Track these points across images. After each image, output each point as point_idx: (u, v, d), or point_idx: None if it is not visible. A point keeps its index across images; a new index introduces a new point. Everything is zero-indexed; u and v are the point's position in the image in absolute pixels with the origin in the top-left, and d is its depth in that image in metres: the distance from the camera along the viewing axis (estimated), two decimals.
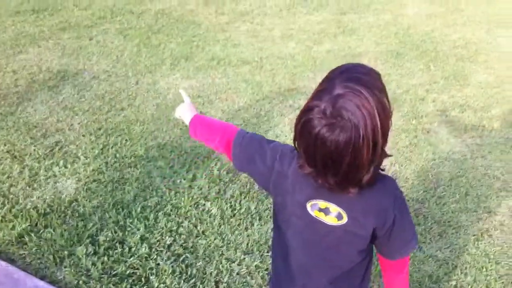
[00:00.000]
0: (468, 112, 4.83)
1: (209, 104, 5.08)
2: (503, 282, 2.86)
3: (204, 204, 3.51)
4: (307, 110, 1.31)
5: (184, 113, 1.87)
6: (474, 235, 3.22)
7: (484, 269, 2.95)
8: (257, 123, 4.69)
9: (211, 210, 3.44)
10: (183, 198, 3.55)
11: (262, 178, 1.62)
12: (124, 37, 6.86)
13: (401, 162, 3.99)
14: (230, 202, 3.53)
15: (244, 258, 3.05)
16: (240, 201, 3.53)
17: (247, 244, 3.16)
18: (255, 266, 2.99)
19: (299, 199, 1.50)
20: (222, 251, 3.11)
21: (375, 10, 8.22)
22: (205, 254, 3.09)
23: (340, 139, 1.25)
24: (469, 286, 2.82)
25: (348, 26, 7.38)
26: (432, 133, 4.46)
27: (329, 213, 1.46)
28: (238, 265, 3.01)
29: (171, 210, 3.44)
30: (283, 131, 4.53)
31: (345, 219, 1.45)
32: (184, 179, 3.77)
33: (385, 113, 1.29)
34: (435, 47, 6.49)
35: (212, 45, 6.68)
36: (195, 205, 3.50)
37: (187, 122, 1.84)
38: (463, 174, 3.85)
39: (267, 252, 3.09)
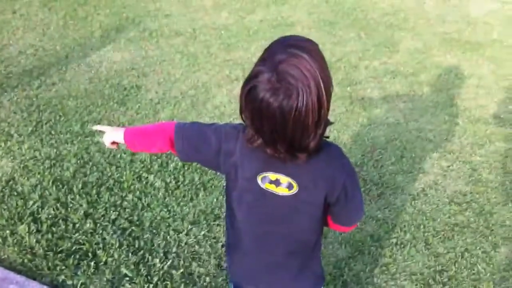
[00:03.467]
0: (399, 78, 4.99)
1: (144, 76, 4.99)
2: (440, 238, 3.02)
3: (147, 177, 3.48)
4: (251, 78, 1.31)
5: (113, 136, 1.76)
6: (410, 195, 3.38)
7: (422, 227, 3.10)
8: (195, 95, 4.66)
9: (154, 183, 3.42)
10: (125, 172, 3.50)
11: (210, 163, 1.63)
12: (49, 10, 6.58)
13: (338, 129, 4.09)
14: (174, 174, 3.51)
15: (191, 228, 3.06)
16: (184, 173, 3.53)
17: (193, 214, 3.17)
18: (203, 235, 3.01)
19: (249, 174, 1.50)
20: (168, 222, 3.10)
21: None
22: (151, 226, 3.07)
23: (284, 104, 1.25)
24: (409, 243, 2.96)
25: None
26: (366, 99, 4.59)
27: (279, 184, 1.46)
28: (186, 235, 3.02)
29: (113, 185, 3.39)
30: (222, 102, 4.53)
31: (295, 189, 1.46)
32: (125, 153, 3.71)
33: (328, 80, 1.30)
34: (365, 15, 6.62)
35: (143, 16, 6.52)
36: (138, 179, 3.46)
37: (121, 140, 1.74)
38: (397, 138, 4.01)
39: (214, 221, 3.11)
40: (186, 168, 3.57)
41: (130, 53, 5.49)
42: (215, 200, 3.27)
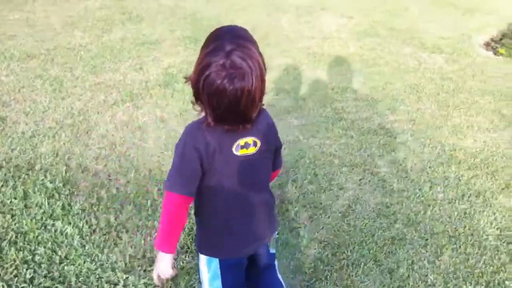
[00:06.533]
0: (282, 95, 5.00)
1: (5, 107, 4.34)
2: (384, 253, 2.99)
3: (53, 223, 2.98)
4: (204, 67, 1.54)
5: (164, 265, 1.81)
6: (340, 213, 3.34)
7: (364, 244, 3.06)
8: (73, 124, 4.16)
9: (65, 230, 2.94)
10: (24, 221, 2.96)
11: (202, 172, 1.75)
12: None
13: None
14: (82, 217, 3.06)
15: (128, 278, 2.67)
16: (95, 214, 3.09)
17: (124, 262, 2.77)
18: (144, 284, 2.64)
19: (225, 150, 1.72)
20: (98, 274, 2.67)
21: None
22: (79, 281, 2.62)
23: (238, 86, 1.52)
24: (360, 263, 2.90)
25: (132, 13, 7.03)
26: None
27: (249, 146, 1.75)
28: (124, 286, 2.62)
29: (16, 237, 2.84)
30: (108, 130, 4.10)
31: (259, 144, 1.77)
32: (15, 198, 3.16)
33: (263, 63, 1.61)
34: None
35: None
36: (43, 227, 2.95)
37: (168, 260, 1.80)
38: (304, 155, 3.97)
39: (150, 266, 2.75)
40: (95, 208, 3.14)
41: None
42: (142, 241, 2.91)
